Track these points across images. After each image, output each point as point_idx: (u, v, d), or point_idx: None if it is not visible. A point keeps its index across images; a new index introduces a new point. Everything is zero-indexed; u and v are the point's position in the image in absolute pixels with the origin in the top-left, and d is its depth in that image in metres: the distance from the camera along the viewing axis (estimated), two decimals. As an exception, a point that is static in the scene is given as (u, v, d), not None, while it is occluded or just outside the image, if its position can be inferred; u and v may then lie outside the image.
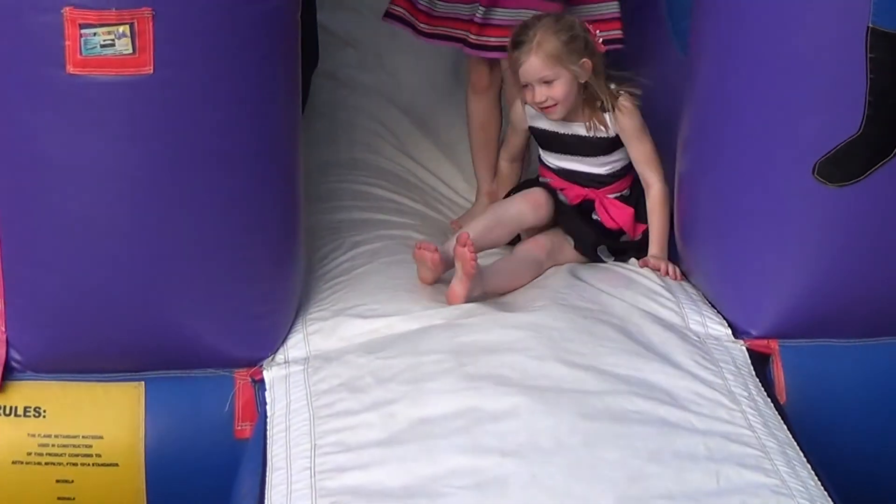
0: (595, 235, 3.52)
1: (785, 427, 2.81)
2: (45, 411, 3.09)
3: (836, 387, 3.19)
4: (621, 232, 3.56)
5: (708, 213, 3.32)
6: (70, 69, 2.83)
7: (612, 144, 3.52)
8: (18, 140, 2.92)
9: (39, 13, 2.80)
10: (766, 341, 3.21)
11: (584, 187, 3.55)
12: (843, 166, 2.97)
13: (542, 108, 3.45)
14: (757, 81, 3.03)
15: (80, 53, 2.84)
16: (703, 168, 3.32)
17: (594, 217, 3.55)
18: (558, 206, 3.53)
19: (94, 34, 2.82)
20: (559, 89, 3.39)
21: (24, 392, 3.10)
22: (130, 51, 2.84)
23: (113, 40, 2.83)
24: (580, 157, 3.55)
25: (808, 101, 2.98)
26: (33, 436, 3.07)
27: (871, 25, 2.84)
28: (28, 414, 3.09)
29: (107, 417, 3.09)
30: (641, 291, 3.29)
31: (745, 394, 2.89)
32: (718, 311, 3.29)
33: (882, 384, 3.20)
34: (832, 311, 3.15)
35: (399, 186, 4.09)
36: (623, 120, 3.46)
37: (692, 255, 3.43)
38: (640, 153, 3.49)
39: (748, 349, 3.17)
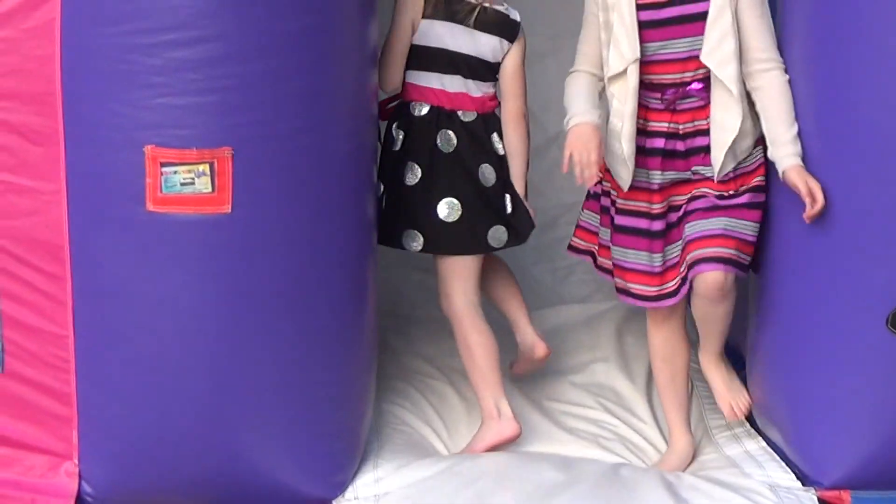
0: None
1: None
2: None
3: (909, 541, 3.11)
4: None
5: (780, 361, 3.29)
6: (150, 206, 2.89)
7: None
8: (98, 274, 2.98)
9: (122, 151, 2.88)
10: (838, 492, 3.14)
11: None
12: (915, 319, 2.95)
13: None
14: (832, 232, 3.03)
15: (161, 191, 2.90)
16: (776, 317, 3.30)
17: None
18: None
19: (175, 172, 2.88)
20: None
21: (94, 525, 3.12)
22: (210, 189, 2.90)
23: (193, 179, 2.90)
24: None
25: (880, 254, 2.97)
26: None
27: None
28: (98, 545, 3.10)
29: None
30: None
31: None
32: (789, 460, 3.24)
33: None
34: (907, 463, 3.08)
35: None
36: None
37: (764, 402, 3.39)
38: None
39: (819, 499, 3.12)
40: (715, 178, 3.18)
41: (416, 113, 3.49)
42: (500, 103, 3.56)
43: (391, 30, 3.48)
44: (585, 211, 3.48)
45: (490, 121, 3.52)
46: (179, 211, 2.90)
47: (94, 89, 2.88)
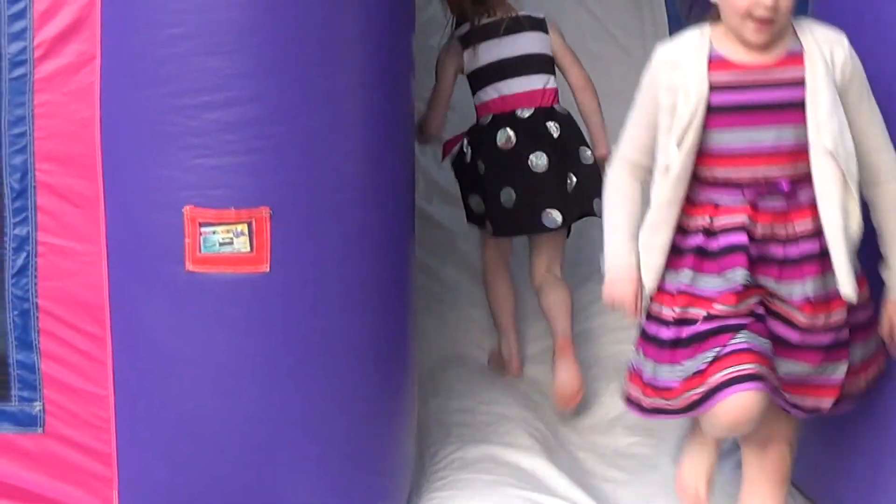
0: None
1: None
2: None
3: None
4: None
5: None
6: (189, 266, 2.91)
7: None
8: (137, 332, 3.00)
9: (161, 212, 2.90)
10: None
11: None
12: None
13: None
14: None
15: (200, 251, 2.92)
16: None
17: None
18: None
19: (214, 232, 2.90)
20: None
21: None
22: (248, 249, 2.92)
23: (231, 239, 2.92)
24: None
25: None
26: None
27: None
28: None
29: None
30: None
31: None
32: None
33: None
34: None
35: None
36: None
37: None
38: None
39: None
40: (849, 297, 2.71)
41: (482, 124, 3.89)
42: (557, 96, 3.90)
43: (437, 83, 3.96)
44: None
45: (547, 112, 3.85)
46: (218, 271, 2.92)
47: (134, 151, 2.91)
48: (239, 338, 2.94)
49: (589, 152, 3.87)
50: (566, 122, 3.88)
